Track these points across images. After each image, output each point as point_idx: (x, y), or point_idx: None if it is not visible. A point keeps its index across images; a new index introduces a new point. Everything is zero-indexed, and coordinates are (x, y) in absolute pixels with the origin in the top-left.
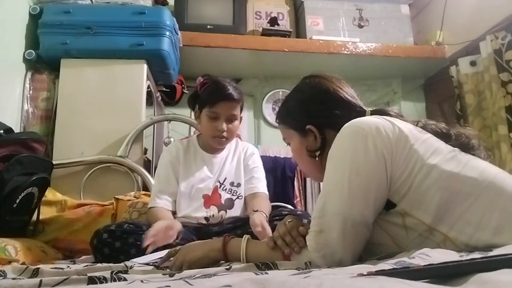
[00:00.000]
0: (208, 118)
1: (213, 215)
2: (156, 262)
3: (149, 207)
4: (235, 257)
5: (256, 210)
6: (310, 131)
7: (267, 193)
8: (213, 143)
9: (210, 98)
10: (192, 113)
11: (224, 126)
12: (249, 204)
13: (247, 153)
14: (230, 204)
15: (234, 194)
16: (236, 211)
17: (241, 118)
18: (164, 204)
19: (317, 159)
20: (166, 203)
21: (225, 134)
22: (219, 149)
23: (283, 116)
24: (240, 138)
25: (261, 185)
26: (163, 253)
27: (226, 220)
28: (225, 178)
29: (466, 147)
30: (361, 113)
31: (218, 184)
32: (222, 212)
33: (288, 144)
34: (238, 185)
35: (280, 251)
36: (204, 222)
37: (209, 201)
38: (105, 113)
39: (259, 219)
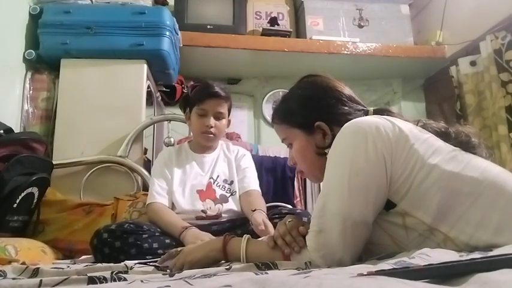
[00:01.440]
0: (197, 116)
1: (210, 207)
2: (156, 262)
3: (148, 203)
4: (236, 257)
5: (255, 210)
6: (319, 128)
7: (260, 190)
8: (201, 140)
9: (198, 96)
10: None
11: (212, 122)
12: (244, 202)
13: (238, 155)
14: (225, 199)
15: (228, 192)
16: (232, 205)
17: (229, 121)
18: (163, 200)
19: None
20: (164, 199)
21: (212, 130)
22: (209, 149)
23: (282, 116)
24: (239, 138)
25: (253, 183)
26: None
27: (224, 213)
28: (218, 176)
29: (466, 146)
30: (365, 111)
31: (212, 180)
32: (219, 205)
33: (288, 144)
34: (231, 182)
35: (280, 251)
36: (203, 215)
37: (204, 195)
38: (105, 113)
39: (260, 218)
